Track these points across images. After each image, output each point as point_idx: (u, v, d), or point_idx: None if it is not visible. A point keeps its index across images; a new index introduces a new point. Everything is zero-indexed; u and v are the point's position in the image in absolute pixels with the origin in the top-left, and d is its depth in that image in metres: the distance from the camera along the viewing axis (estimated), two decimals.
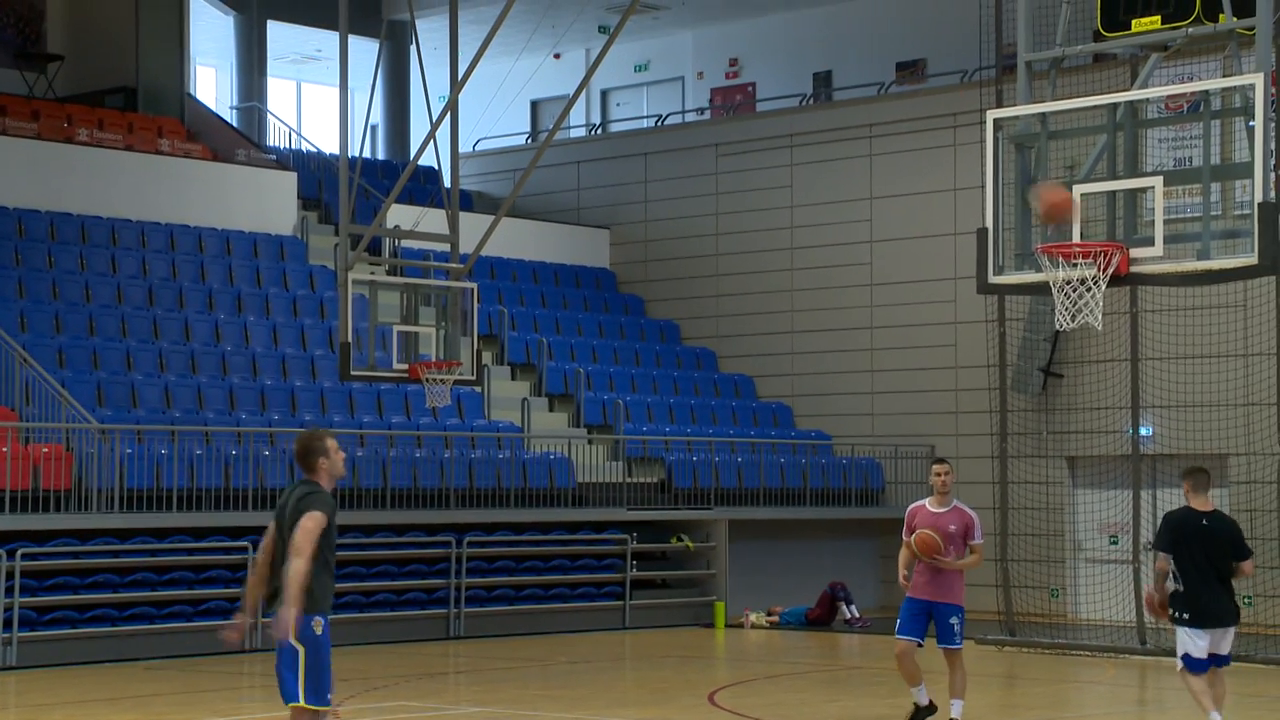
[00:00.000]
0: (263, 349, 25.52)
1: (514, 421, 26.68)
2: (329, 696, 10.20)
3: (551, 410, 28.17)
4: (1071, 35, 15.76)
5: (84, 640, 20.12)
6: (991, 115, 15.20)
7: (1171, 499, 14.48)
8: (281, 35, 33.74)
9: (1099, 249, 13.94)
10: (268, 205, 28.81)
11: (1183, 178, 17.01)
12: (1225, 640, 13.83)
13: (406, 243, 27.67)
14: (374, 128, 34.79)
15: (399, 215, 25.13)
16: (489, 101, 30.53)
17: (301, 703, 10.09)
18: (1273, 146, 13.83)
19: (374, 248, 24.86)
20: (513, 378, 28.71)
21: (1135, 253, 14.06)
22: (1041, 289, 14.63)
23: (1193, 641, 13.71)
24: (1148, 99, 15.30)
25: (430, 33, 28.35)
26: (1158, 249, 14.00)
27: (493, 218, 24.12)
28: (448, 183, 23.34)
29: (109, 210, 26.83)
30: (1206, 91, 14.23)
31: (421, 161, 23.78)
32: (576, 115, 35.23)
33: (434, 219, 24.08)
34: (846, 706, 17.60)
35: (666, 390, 29.50)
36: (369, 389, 25.17)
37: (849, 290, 29.76)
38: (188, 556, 21.13)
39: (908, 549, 14.53)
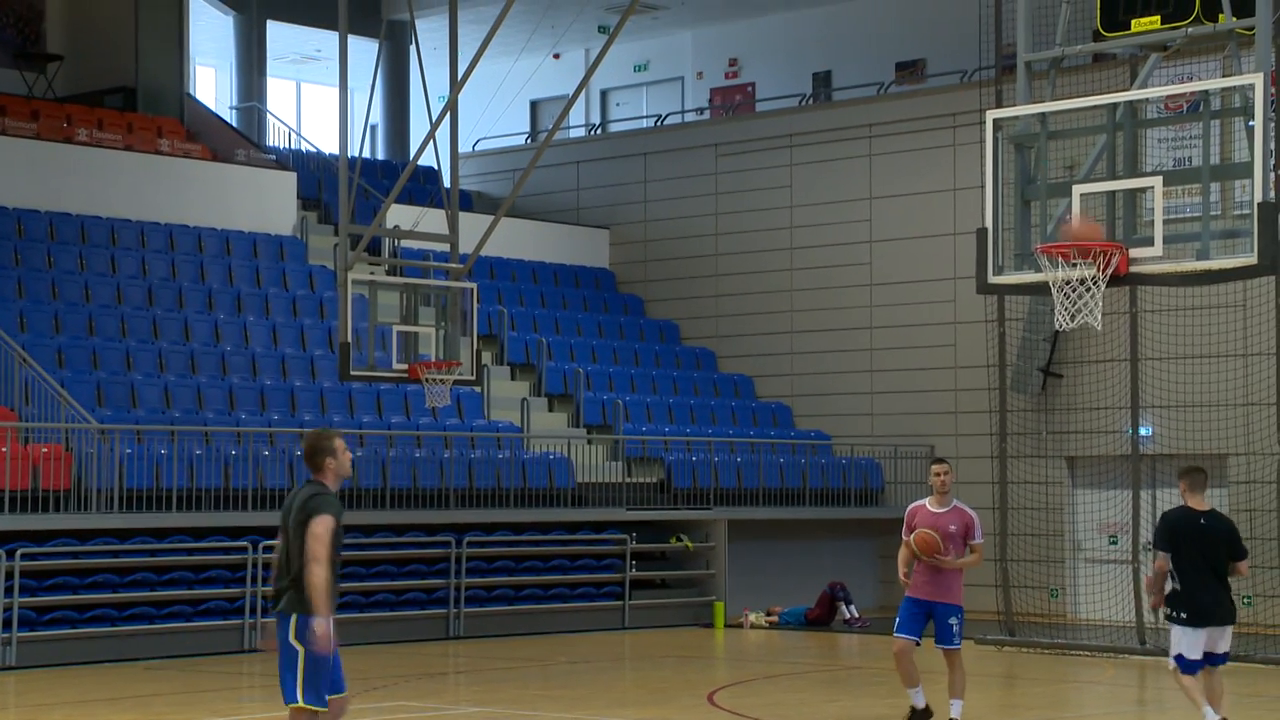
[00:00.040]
0: (262, 349, 25.52)
1: (513, 421, 26.67)
2: (326, 697, 10.21)
3: (551, 410, 28.17)
4: (1071, 35, 15.76)
5: (84, 640, 20.12)
6: (991, 115, 15.20)
7: (1171, 499, 14.49)
8: (281, 35, 33.74)
9: (1099, 249, 13.93)
10: (267, 205, 28.80)
11: (1182, 178, 17.01)
12: (1222, 639, 13.84)
13: (406, 243, 27.66)
14: (374, 128, 34.80)
15: (398, 215, 25.12)
16: (489, 101, 30.53)
17: (300, 703, 10.10)
18: (1272, 146, 13.83)
19: (373, 248, 24.85)
20: (512, 378, 28.71)
21: (1135, 253, 14.06)
22: (1041, 289, 14.62)
23: (1189, 642, 13.72)
24: (1147, 99, 15.31)
25: (430, 33, 28.36)
26: (1157, 249, 14.00)
27: (492, 218, 24.12)
28: (447, 183, 23.34)
29: (108, 210, 26.83)
30: (1206, 91, 14.23)
31: (421, 161, 23.77)
32: (576, 115, 35.23)
33: (433, 219, 24.08)
34: (846, 706, 17.60)
35: (666, 390, 29.50)
36: (368, 389, 25.16)
37: (848, 290, 29.76)
38: (187, 556, 21.13)
39: (907, 548, 14.53)
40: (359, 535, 22.22)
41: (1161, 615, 14.28)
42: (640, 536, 25.39)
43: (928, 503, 14.65)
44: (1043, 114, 14.88)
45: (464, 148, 28.11)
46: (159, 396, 23.32)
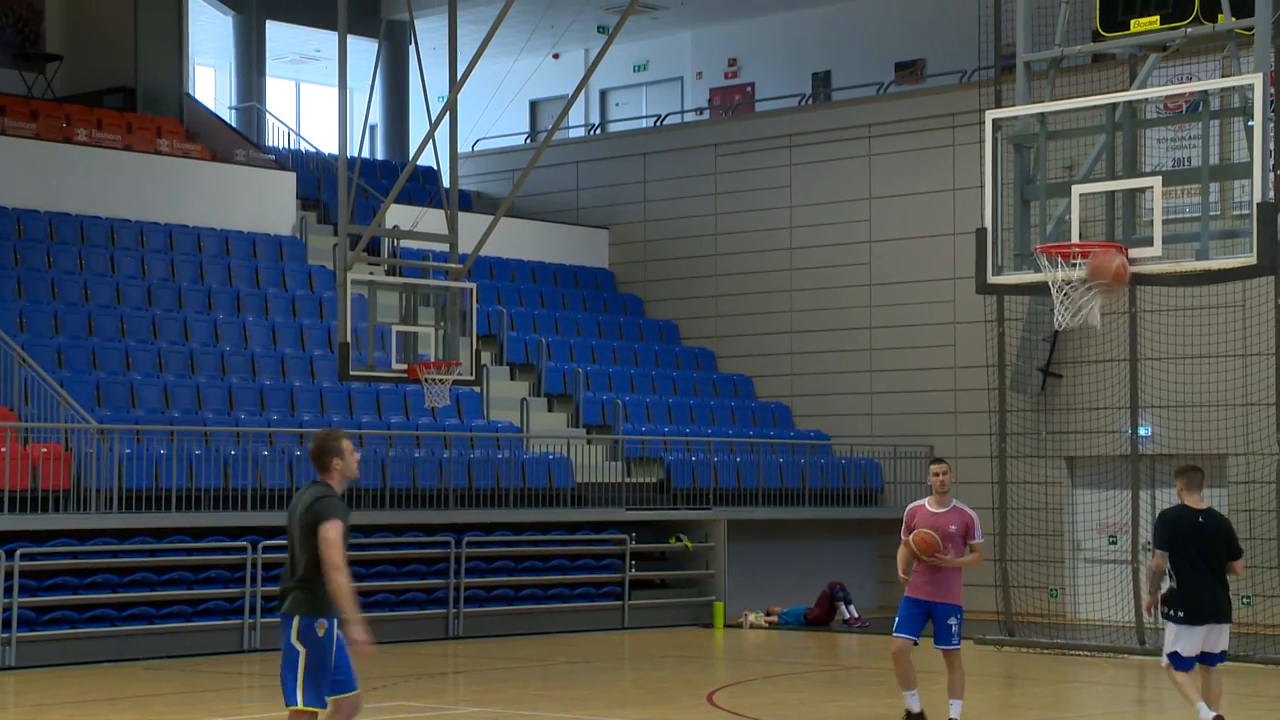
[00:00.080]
0: (261, 349, 25.52)
1: (513, 422, 26.67)
2: (331, 697, 10.22)
3: (550, 410, 28.17)
4: (1070, 35, 15.76)
5: (83, 640, 20.11)
6: (990, 115, 15.20)
7: (1170, 499, 14.49)
8: (280, 35, 33.73)
9: (1098, 249, 13.93)
10: (267, 205, 28.80)
11: (1182, 178, 17.02)
12: (1219, 637, 13.84)
13: (405, 243, 27.66)
14: (373, 128, 34.80)
15: (398, 215, 25.13)
16: (488, 101, 30.52)
17: (300, 705, 10.10)
18: (1271, 146, 13.83)
19: (373, 248, 24.85)
20: (511, 378, 28.71)
21: (1134, 253, 14.06)
22: (1040, 289, 14.63)
23: (1185, 640, 13.73)
24: (1147, 99, 15.31)
25: (429, 33, 28.37)
26: (1157, 249, 14.00)
27: (492, 218, 24.11)
28: (447, 183, 23.33)
29: (108, 210, 26.83)
30: (1205, 91, 14.22)
31: (420, 161, 23.77)
32: (575, 115, 35.23)
33: (433, 219, 24.08)
34: (845, 706, 17.60)
35: (665, 390, 29.50)
36: (368, 389, 25.16)
37: (848, 290, 29.76)
38: (187, 557, 21.13)
39: (906, 548, 14.52)
40: (359, 535, 22.22)
41: (1158, 615, 14.30)
42: (640, 536, 25.38)
43: (927, 503, 14.64)
44: (1042, 114, 14.88)
45: (463, 148, 28.10)
46: (158, 396, 23.32)
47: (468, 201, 31.64)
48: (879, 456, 28.65)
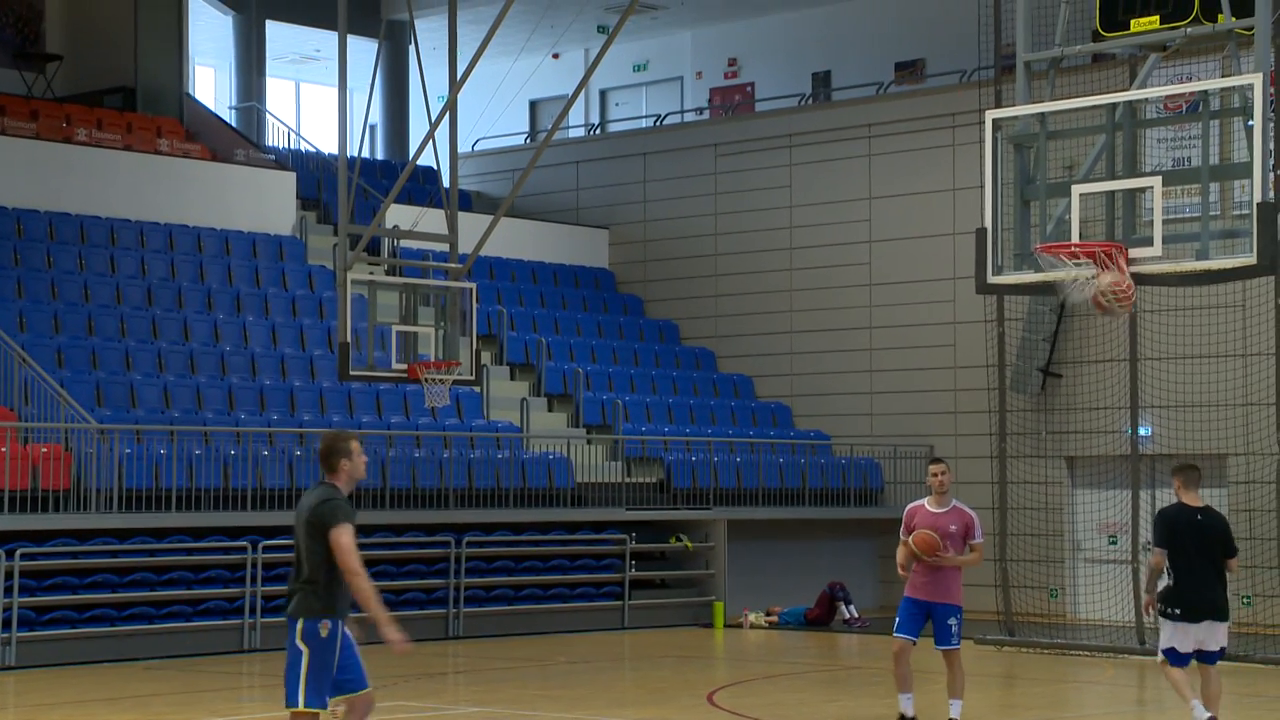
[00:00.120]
0: (261, 349, 25.52)
1: (513, 421, 26.67)
2: (336, 698, 10.23)
3: (550, 410, 28.17)
4: (1070, 35, 15.76)
5: (83, 640, 20.11)
6: (990, 115, 15.19)
7: (1170, 499, 14.49)
8: (280, 35, 33.73)
9: (1098, 249, 13.93)
10: (266, 205, 28.80)
11: (1181, 178, 17.02)
12: (1215, 636, 13.84)
13: (405, 243, 27.66)
14: (373, 128, 34.80)
15: (398, 215, 25.13)
16: (488, 101, 30.52)
17: (300, 706, 10.10)
18: (1271, 146, 13.83)
19: (373, 248, 24.85)
20: (511, 378, 28.71)
21: (1134, 253, 14.05)
22: (1040, 289, 14.62)
23: (1180, 636, 13.74)
24: (1147, 99, 15.31)
25: (429, 33, 28.36)
26: (1156, 249, 14.00)
27: (492, 218, 24.11)
28: (446, 183, 23.33)
29: (108, 210, 26.83)
30: (1205, 91, 14.22)
31: (420, 161, 23.76)
32: (575, 115, 35.23)
33: (433, 219, 24.07)
34: (845, 706, 17.60)
35: (665, 390, 29.50)
36: (368, 389, 25.16)
37: (848, 290, 29.76)
38: (187, 556, 21.13)
39: (905, 549, 14.50)
40: (359, 535, 22.16)
41: (1155, 614, 14.31)
42: (640, 536, 25.38)
43: (926, 503, 14.63)
44: (1042, 114, 14.87)
45: (463, 148, 28.10)
46: (158, 396, 23.32)
47: (468, 201, 31.64)
48: (879, 456, 28.65)
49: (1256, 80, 13.49)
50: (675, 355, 30.92)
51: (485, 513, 24.00)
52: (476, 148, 33.95)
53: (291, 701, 10.12)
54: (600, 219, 33.03)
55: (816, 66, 33.29)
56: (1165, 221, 14.06)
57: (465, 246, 23.50)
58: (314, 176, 30.77)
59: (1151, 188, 14.21)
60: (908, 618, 14.49)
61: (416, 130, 31.93)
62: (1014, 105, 15.30)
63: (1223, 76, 15.76)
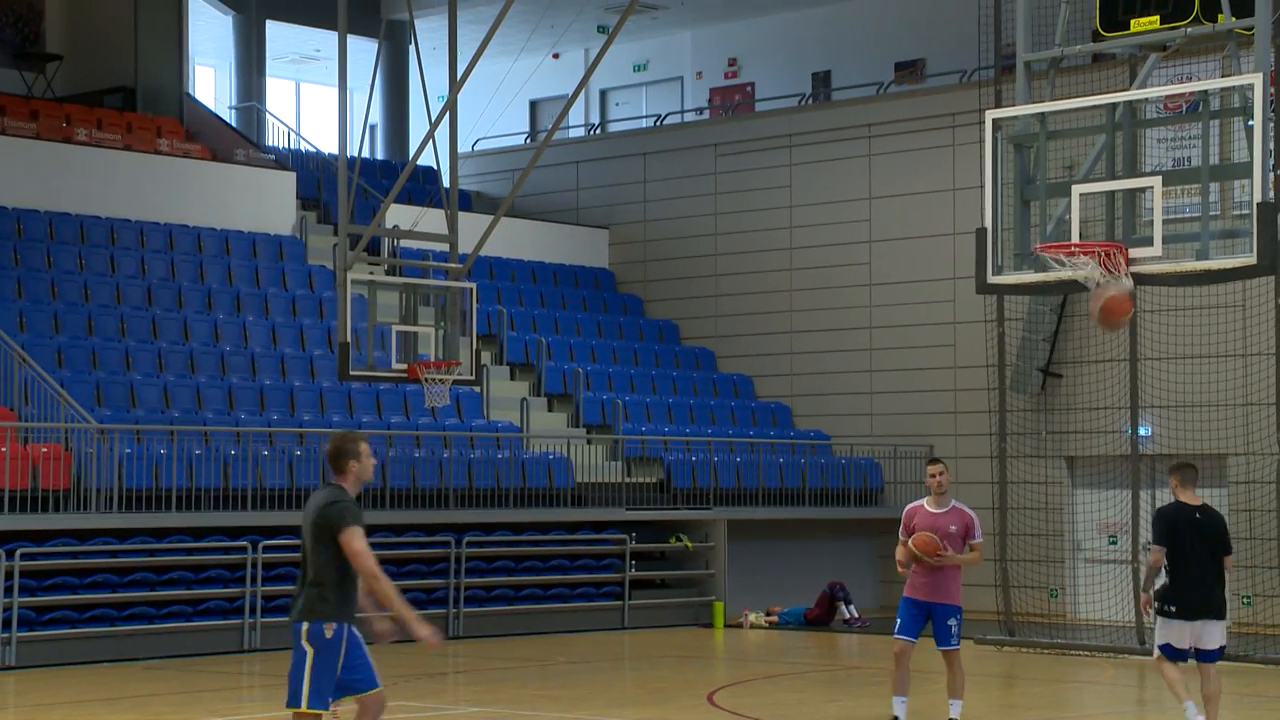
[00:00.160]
0: (261, 349, 25.52)
1: (513, 421, 26.67)
2: (341, 699, 10.24)
3: (550, 410, 28.17)
4: (1070, 35, 15.76)
5: (83, 640, 20.11)
6: (990, 115, 15.19)
7: (1171, 499, 14.49)
8: (280, 35, 33.73)
9: (1099, 249, 13.93)
10: (267, 205, 28.80)
11: (1182, 178, 17.02)
12: (1213, 634, 13.83)
13: (405, 243, 27.66)
14: (373, 128, 34.80)
15: (398, 215, 25.12)
16: (488, 101, 30.52)
17: (303, 707, 10.11)
18: (1271, 146, 13.84)
19: (373, 248, 24.85)
20: (511, 378, 28.71)
21: (1134, 253, 14.05)
22: (1041, 289, 14.62)
23: (1176, 634, 13.75)
24: (1147, 99, 15.31)
25: (429, 33, 28.37)
26: (1156, 249, 14.00)
27: (492, 218, 24.11)
28: (447, 183, 23.33)
29: (108, 210, 26.82)
30: (1205, 91, 14.22)
31: (421, 161, 23.77)
32: (575, 115, 35.22)
33: (433, 219, 24.08)
34: (845, 706, 17.60)
35: (665, 390, 29.50)
36: (368, 389, 25.16)
37: (848, 290, 29.76)
38: (186, 556, 21.13)
39: (904, 549, 14.48)
40: None
41: (1153, 612, 14.32)
42: (640, 536, 25.38)
43: (926, 503, 14.61)
44: (1042, 114, 14.87)
45: (463, 148, 28.11)
46: (158, 396, 23.32)
47: (468, 201, 31.64)
48: (879, 456, 28.65)
49: (1256, 80, 13.49)
50: (675, 355, 30.92)
51: (485, 513, 24.00)
52: (476, 148, 33.95)
53: (294, 701, 10.14)
54: (600, 219, 33.03)
55: (816, 66, 33.29)
56: (1165, 221, 14.06)
57: (465, 246, 23.50)
58: (314, 176, 30.77)
59: (1151, 188, 14.22)
60: (908, 619, 14.47)
61: (416, 130, 31.93)
62: (1014, 105, 15.30)
63: (1223, 76, 15.76)
